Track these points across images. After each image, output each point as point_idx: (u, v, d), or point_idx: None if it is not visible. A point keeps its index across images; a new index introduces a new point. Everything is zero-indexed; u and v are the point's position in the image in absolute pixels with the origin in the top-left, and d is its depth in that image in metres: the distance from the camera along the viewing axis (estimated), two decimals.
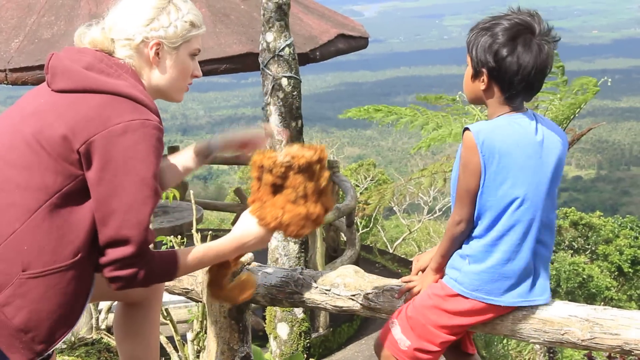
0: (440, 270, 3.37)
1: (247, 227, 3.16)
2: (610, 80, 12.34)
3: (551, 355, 9.39)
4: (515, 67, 3.04)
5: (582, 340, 3.12)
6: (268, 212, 3.14)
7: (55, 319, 2.79)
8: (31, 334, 2.75)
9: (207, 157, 3.59)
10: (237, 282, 3.47)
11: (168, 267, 2.97)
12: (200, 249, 3.05)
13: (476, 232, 3.20)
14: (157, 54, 3.02)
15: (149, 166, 2.79)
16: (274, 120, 6.82)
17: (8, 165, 2.78)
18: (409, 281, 3.54)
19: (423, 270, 3.54)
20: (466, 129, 3.10)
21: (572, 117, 11.86)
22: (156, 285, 3.41)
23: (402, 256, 15.66)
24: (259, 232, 3.16)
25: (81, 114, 2.76)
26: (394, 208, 22.27)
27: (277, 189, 3.16)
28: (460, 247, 3.28)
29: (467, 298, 3.21)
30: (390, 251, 17.67)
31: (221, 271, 3.38)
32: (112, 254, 2.76)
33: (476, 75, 3.18)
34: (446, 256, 3.32)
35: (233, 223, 12.51)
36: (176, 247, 6.11)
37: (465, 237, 3.25)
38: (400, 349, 3.38)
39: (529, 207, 3.13)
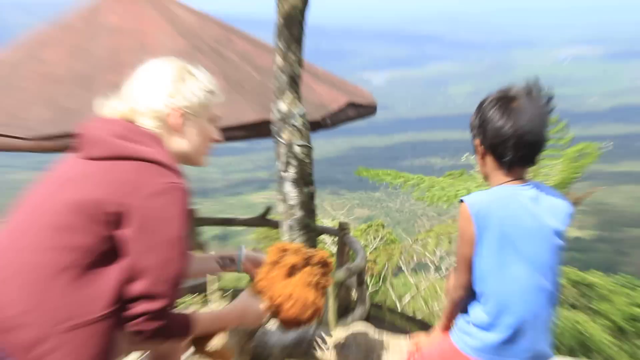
0: (446, 330, 3.40)
1: (249, 302, 3.34)
2: (612, 143, 12.50)
3: None
4: (492, 132, 3.09)
5: None
6: (276, 290, 3.30)
7: None
8: None
9: (227, 268, 3.78)
10: (219, 348, 3.50)
11: (185, 329, 3.06)
12: (209, 317, 3.17)
13: (477, 297, 3.20)
14: (180, 122, 3.15)
15: (179, 226, 2.88)
16: (287, 186, 6.83)
17: (42, 227, 2.84)
18: (417, 339, 3.57)
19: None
20: (462, 200, 3.12)
21: (573, 180, 11.96)
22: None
23: (410, 315, 15.57)
24: (259, 308, 3.32)
25: (115, 179, 2.86)
26: (402, 267, 22.26)
27: (292, 272, 3.33)
28: (466, 311, 3.28)
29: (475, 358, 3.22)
30: (399, 308, 17.61)
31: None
32: (141, 307, 2.84)
33: (476, 150, 3.24)
34: (450, 318, 3.36)
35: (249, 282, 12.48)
36: (197, 306, 6.12)
37: (466, 300, 3.26)
38: None
39: (526, 276, 3.12)
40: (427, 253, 21.71)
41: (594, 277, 23.71)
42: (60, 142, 8.01)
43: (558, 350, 18.16)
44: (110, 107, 3.17)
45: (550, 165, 12.30)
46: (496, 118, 3.08)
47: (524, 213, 3.11)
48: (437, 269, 22.83)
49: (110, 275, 2.86)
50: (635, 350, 21.72)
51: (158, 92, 3.12)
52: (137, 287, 2.85)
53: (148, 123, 3.12)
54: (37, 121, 8.18)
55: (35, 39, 9.91)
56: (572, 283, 22.95)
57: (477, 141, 3.19)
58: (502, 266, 3.11)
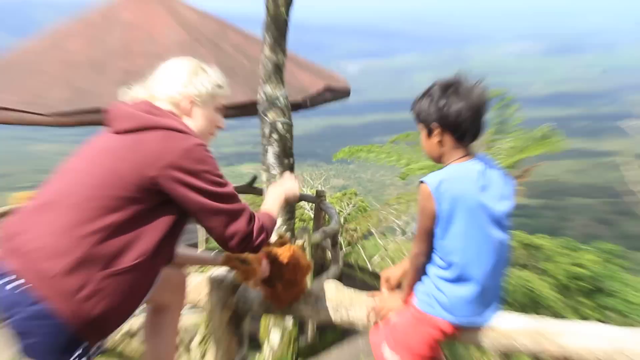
0: (408, 300, 3.43)
1: (284, 185, 3.70)
2: (554, 126, 12.65)
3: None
4: (454, 114, 3.10)
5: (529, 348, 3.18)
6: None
7: (120, 310, 2.99)
8: (103, 321, 2.92)
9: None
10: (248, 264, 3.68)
11: (271, 221, 3.34)
12: (272, 204, 3.52)
13: (439, 263, 3.23)
14: (190, 107, 3.30)
15: (213, 168, 3.06)
16: (270, 158, 6.83)
17: (88, 189, 2.95)
18: (375, 297, 3.62)
19: (390, 285, 3.64)
20: (421, 181, 3.15)
21: (523, 157, 12.04)
22: (179, 293, 3.82)
23: (379, 272, 15.61)
24: (294, 188, 3.71)
25: (148, 149, 2.98)
26: (372, 230, 22.37)
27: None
28: (426, 274, 3.32)
29: (440, 319, 3.27)
30: (369, 267, 17.66)
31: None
32: (240, 227, 3.10)
33: (430, 132, 3.23)
34: (412, 285, 3.38)
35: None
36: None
37: (425, 265, 3.30)
38: None
39: (481, 242, 3.15)
40: (394, 218, 21.83)
41: (541, 240, 23.89)
42: (75, 118, 8.06)
43: (511, 306, 18.22)
44: (133, 93, 3.33)
45: (501, 142, 12.35)
46: (453, 98, 3.10)
47: (474, 189, 3.13)
48: (403, 232, 22.96)
49: (143, 233, 2.99)
50: (578, 306, 21.85)
51: (174, 82, 3.28)
52: (221, 219, 3.07)
53: (164, 106, 3.25)
54: (56, 100, 8.19)
55: (59, 31, 9.93)
56: (522, 245, 23.07)
57: (435, 123, 3.17)
58: (455, 237, 3.14)
